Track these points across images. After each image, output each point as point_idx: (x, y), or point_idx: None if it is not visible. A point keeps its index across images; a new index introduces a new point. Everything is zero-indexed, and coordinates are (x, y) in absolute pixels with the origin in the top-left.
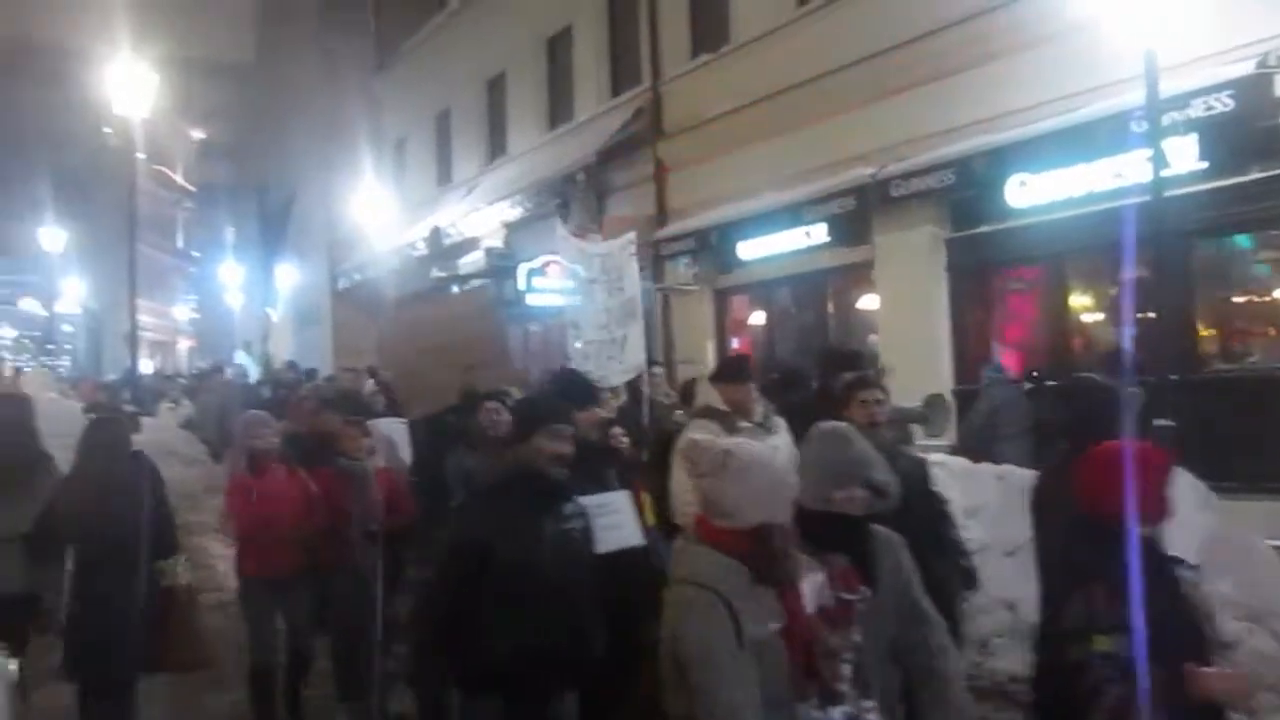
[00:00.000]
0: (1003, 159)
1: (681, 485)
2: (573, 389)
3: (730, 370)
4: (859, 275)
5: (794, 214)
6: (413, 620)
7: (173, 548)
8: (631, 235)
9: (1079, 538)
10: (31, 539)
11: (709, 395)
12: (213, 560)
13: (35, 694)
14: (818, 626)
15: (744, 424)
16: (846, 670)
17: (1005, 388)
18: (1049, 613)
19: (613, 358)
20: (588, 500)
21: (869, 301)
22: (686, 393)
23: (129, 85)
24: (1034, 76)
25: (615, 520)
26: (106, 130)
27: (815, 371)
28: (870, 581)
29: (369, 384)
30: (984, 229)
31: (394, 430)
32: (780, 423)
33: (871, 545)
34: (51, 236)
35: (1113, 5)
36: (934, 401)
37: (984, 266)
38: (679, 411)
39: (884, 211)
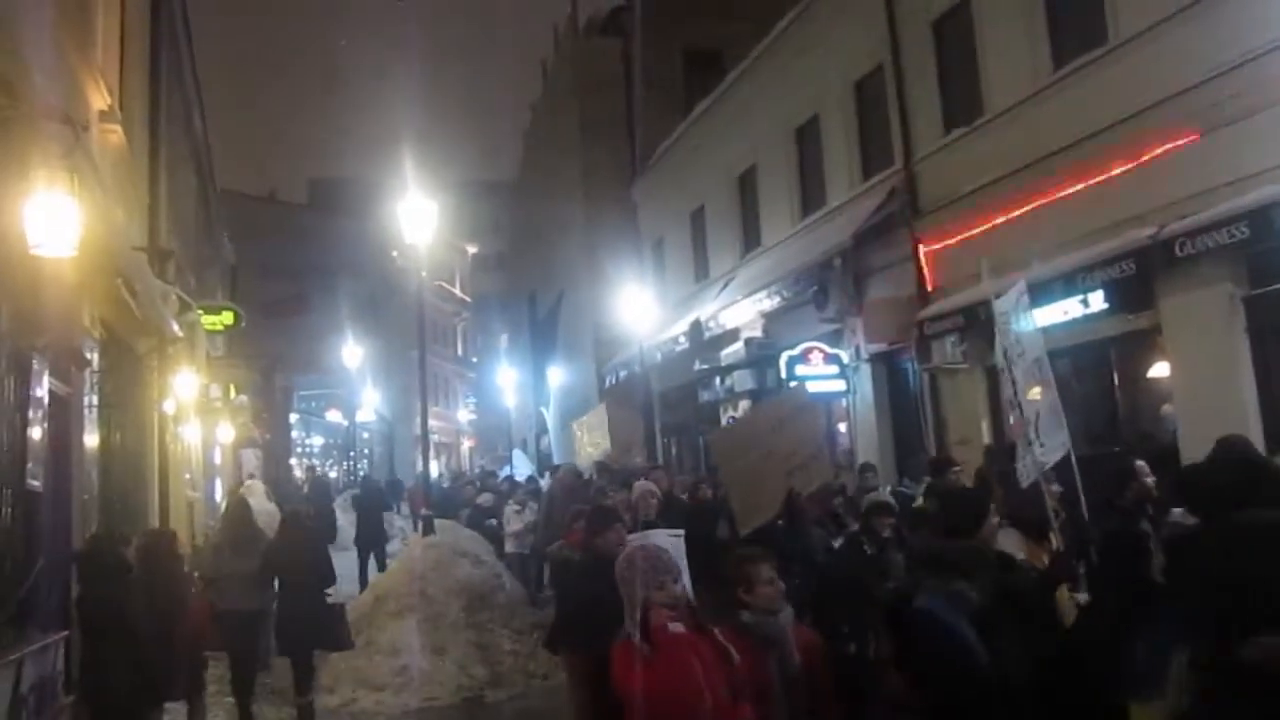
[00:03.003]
0: None
1: None
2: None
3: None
4: (1146, 342)
5: (1067, 283)
6: None
7: (331, 580)
8: (1021, 284)
9: None
10: (257, 576)
11: None
12: (501, 656)
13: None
14: None
15: None
16: None
17: None
18: None
19: (1031, 441)
20: None
21: (1159, 370)
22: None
23: (414, 215)
24: None
25: None
26: (394, 254)
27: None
28: None
29: (643, 487)
30: None
31: (674, 546)
32: None
33: None
34: (351, 354)
35: None
36: None
37: None
38: (1176, 511)
39: (1169, 273)
